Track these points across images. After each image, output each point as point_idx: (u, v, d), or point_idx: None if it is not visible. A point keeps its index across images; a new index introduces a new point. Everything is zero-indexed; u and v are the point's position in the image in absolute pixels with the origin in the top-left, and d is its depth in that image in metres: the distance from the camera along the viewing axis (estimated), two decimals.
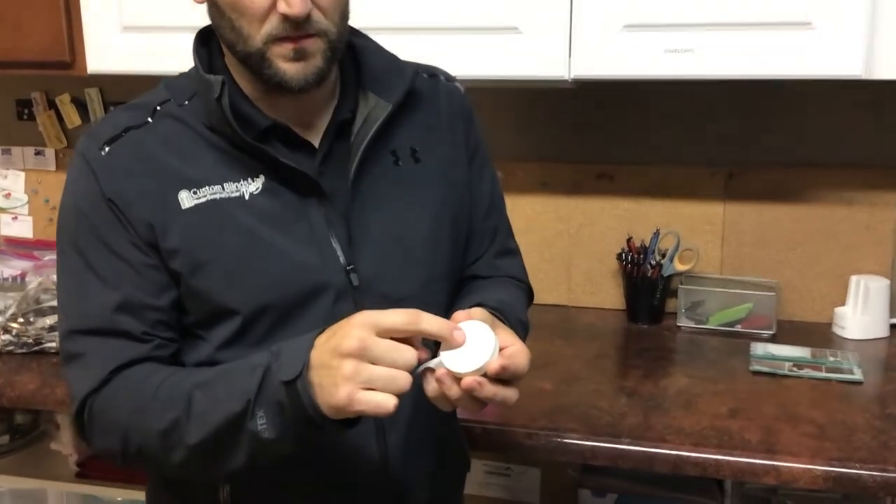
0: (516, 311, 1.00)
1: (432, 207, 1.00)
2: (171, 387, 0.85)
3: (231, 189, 0.90)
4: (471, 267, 1.10)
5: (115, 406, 0.86)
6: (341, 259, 0.93)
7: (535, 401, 1.39)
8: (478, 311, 0.85)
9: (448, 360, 0.80)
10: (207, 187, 0.89)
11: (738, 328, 1.74)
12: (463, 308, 0.92)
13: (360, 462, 0.94)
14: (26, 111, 2.17)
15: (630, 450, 1.25)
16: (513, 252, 1.15)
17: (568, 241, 1.89)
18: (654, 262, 1.77)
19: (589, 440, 1.27)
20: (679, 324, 1.78)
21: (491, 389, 0.79)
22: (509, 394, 0.81)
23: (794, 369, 1.52)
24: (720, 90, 1.74)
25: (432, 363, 0.81)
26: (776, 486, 1.21)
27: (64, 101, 2.13)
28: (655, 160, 1.81)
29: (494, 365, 0.79)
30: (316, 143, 0.94)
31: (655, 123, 1.81)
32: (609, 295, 1.89)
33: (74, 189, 0.90)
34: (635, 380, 1.50)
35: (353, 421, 0.80)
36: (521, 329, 0.99)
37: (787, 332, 1.74)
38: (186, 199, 0.89)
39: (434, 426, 1.01)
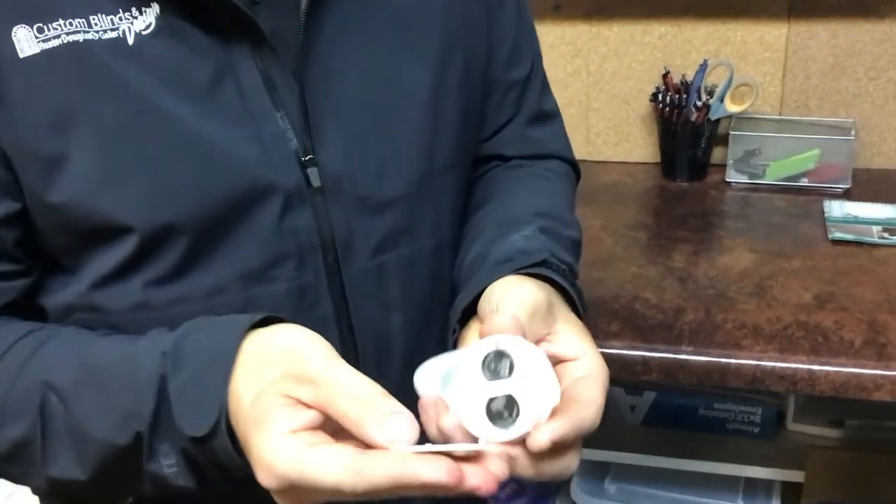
0: (565, 227, 0.70)
1: (433, 56, 0.67)
2: (14, 373, 0.56)
3: (103, 26, 0.57)
4: (490, 142, 0.78)
5: None
6: (293, 145, 0.62)
7: None
8: (514, 318, 0.53)
9: (465, 408, 0.50)
10: (62, 22, 0.56)
11: (804, 182, 1.46)
12: (475, 243, 0.64)
13: None
14: None
15: (695, 361, 0.98)
16: (550, 115, 0.83)
17: (587, 79, 1.58)
18: (699, 103, 1.45)
19: (638, 349, 1.00)
20: (728, 179, 1.50)
21: (528, 469, 0.50)
22: (560, 468, 0.51)
23: (885, 235, 1.25)
24: None
25: (439, 372, 0.52)
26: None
27: None
28: None
29: (541, 439, 0.48)
30: None
31: None
32: (637, 146, 1.60)
33: None
34: (685, 258, 1.22)
35: None
36: (573, 251, 0.69)
37: (864, 185, 1.46)
38: (26, 40, 0.56)
39: None
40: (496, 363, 0.51)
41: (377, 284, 0.66)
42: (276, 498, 0.48)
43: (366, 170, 0.64)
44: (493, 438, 0.49)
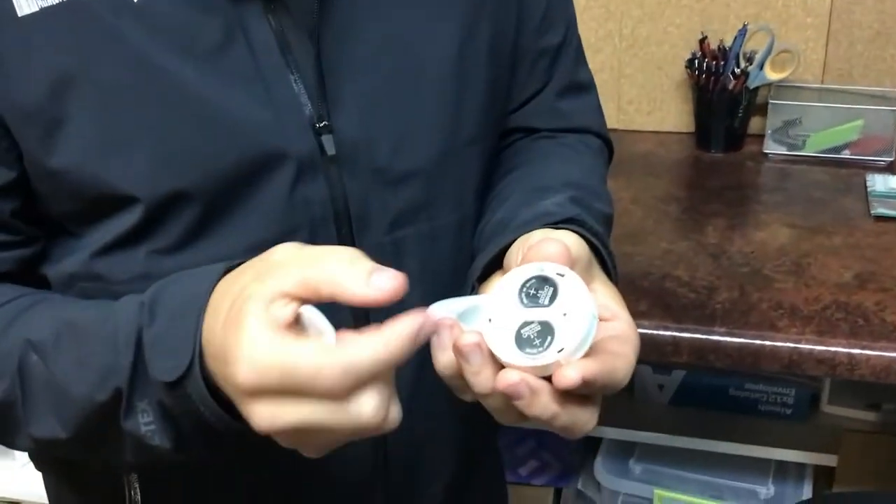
0: (597, 201, 0.66)
1: (460, 20, 0.63)
2: None
3: None
4: (518, 113, 0.74)
5: None
6: (307, 110, 0.59)
7: None
8: (564, 246, 0.50)
9: (492, 328, 0.47)
10: None
11: (846, 154, 1.41)
12: (503, 203, 0.61)
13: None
14: None
15: (728, 342, 0.95)
16: (584, 86, 0.78)
17: (619, 44, 1.53)
18: (737, 70, 1.40)
19: (668, 329, 0.97)
20: (766, 150, 1.45)
21: (548, 408, 0.46)
22: (581, 419, 0.47)
23: None
24: None
25: (455, 310, 0.48)
26: None
27: None
28: None
29: (571, 374, 0.44)
30: None
31: None
32: (671, 114, 1.56)
33: None
34: (719, 233, 1.18)
35: None
36: (604, 227, 0.65)
37: None
38: None
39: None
40: (537, 289, 0.48)
41: (394, 261, 0.63)
42: (254, 408, 0.44)
43: (384, 139, 0.61)
44: (517, 363, 0.45)
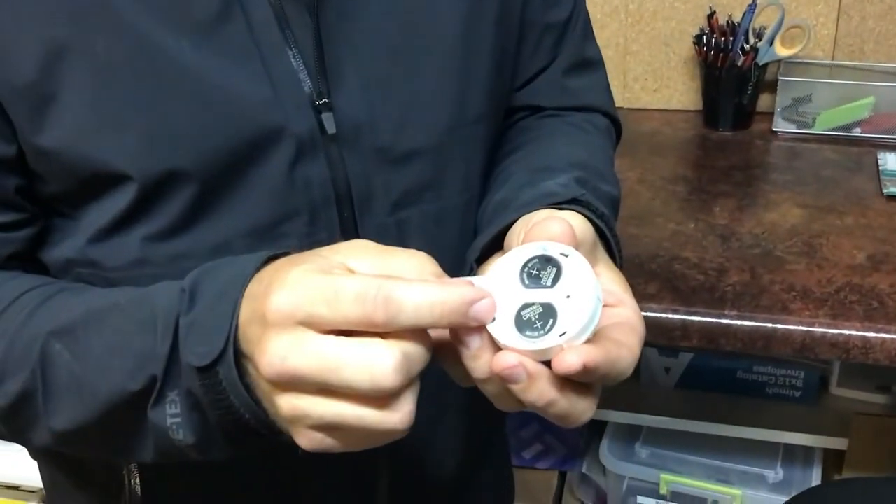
0: (604, 182, 0.64)
1: None
2: (13, 326, 0.53)
3: None
4: (524, 91, 0.72)
5: None
6: (306, 87, 0.57)
7: None
8: (568, 226, 0.48)
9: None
10: None
11: (857, 132, 1.39)
12: (502, 186, 0.59)
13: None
14: None
15: (739, 326, 0.93)
16: (591, 63, 0.75)
17: (625, 19, 1.51)
18: (746, 46, 1.38)
19: (678, 313, 0.95)
20: (775, 128, 1.43)
21: (545, 394, 0.44)
22: (578, 408, 0.45)
23: None
24: None
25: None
26: None
27: None
28: None
29: (572, 359, 0.42)
30: None
31: None
32: (678, 92, 1.54)
33: None
34: (728, 213, 1.16)
35: None
36: (611, 209, 0.63)
37: None
38: None
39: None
40: (539, 269, 0.46)
41: (397, 242, 0.61)
42: (276, 339, 0.43)
43: (387, 117, 0.59)
44: (516, 347, 0.43)
